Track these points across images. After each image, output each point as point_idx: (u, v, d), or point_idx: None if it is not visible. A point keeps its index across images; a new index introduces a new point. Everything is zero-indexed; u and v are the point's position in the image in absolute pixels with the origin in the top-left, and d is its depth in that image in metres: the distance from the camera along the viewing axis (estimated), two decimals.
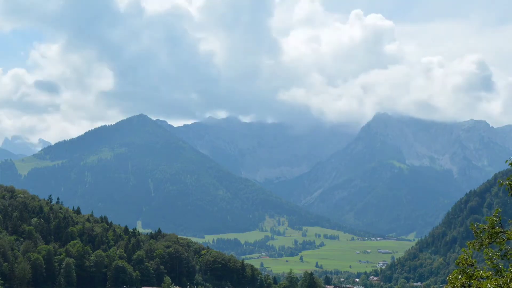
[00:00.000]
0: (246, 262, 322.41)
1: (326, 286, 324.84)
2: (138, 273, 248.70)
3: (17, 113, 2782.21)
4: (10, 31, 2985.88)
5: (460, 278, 29.21)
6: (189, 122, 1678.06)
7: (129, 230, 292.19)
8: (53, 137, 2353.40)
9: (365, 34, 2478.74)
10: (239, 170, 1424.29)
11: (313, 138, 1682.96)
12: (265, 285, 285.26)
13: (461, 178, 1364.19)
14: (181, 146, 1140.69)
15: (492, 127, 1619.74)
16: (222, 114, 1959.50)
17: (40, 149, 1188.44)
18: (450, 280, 29.61)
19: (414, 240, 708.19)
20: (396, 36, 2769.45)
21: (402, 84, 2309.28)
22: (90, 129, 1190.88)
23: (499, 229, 29.41)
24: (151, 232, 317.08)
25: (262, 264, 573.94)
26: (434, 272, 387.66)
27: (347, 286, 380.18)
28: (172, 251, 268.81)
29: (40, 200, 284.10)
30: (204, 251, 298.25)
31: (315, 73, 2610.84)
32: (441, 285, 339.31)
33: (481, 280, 28.53)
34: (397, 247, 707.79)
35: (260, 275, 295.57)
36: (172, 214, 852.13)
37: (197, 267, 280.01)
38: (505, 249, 29.46)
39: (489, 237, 29.43)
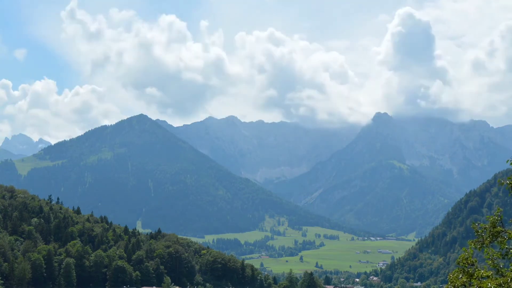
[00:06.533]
0: (246, 262, 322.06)
1: (326, 286, 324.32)
2: (138, 273, 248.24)
3: (17, 113, 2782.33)
4: None
5: (461, 278, 29.15)
6: (189, 122, 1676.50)
7: (129, 230, 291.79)
8: (53, 137, 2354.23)
9: None
10: (239, 170, 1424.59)
11: (313, 138, 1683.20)
12: (265, 285, 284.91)
13: (461, 178, 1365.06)
14: (181, 146, 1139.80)
15: (492, 127, 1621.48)
16: (222, 114, 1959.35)
17: (40, 149, 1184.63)
18: (451, 279, 29.56)
19: (414, 240, 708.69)
20: None
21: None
22: (90, 129, 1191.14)
23: (500, 228, 29.33)
24: (151, 232, 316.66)
25: (262, 264, 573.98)
26: (434, 272, 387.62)
27: (347, 286, 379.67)
28: (172, 251, 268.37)
29: (40, 200, 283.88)
30: (204, 251, 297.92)
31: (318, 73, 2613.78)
32: (441, 285, 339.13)
33: (482, 279, 28.46)
34: (397, 247, 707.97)
35: (260, 275, 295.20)
36: (172, 214, 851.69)
37: (197, 267, 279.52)
38: (506, 248, 29.37)
39: (490, 236, 29.34)
